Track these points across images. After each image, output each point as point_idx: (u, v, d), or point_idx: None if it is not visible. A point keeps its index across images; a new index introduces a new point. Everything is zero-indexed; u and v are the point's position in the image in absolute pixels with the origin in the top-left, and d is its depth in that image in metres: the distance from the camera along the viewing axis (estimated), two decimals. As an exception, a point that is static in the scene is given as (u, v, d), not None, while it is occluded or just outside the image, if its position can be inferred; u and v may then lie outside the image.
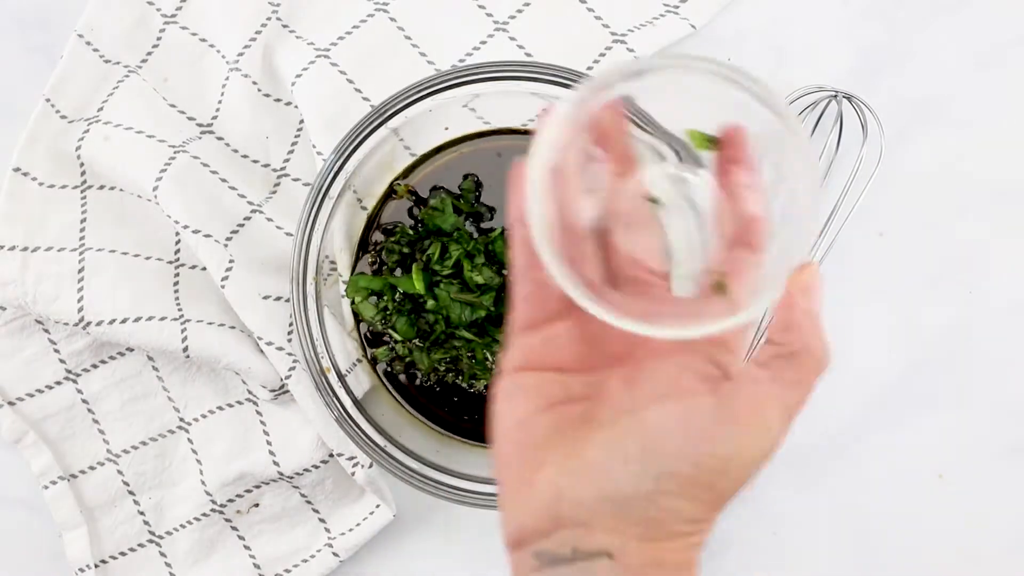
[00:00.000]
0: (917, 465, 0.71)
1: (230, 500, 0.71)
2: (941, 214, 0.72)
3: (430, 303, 0.67)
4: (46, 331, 0.71)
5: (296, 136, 0.73)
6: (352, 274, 0.70)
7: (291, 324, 0.68)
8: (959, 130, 0.73)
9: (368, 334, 0.70)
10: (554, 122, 0.41)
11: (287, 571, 0.71)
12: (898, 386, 0.71)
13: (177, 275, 0.71)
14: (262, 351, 0.68)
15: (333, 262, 0.70)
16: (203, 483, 0.71)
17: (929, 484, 0.71)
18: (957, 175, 0.72)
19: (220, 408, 0.72)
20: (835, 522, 0.71)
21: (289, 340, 0.68)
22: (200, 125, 0.73)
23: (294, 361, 0.67)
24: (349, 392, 0.66)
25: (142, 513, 0.72)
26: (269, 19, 0.73)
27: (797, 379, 0.41)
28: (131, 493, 0.72)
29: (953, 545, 0.70)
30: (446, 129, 0.71)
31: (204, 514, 0.71)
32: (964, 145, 0.73)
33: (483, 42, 0.73)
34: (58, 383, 0.72)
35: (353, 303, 0.69)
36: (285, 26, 0.74)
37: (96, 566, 0.71)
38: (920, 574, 0.70)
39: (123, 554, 0.72)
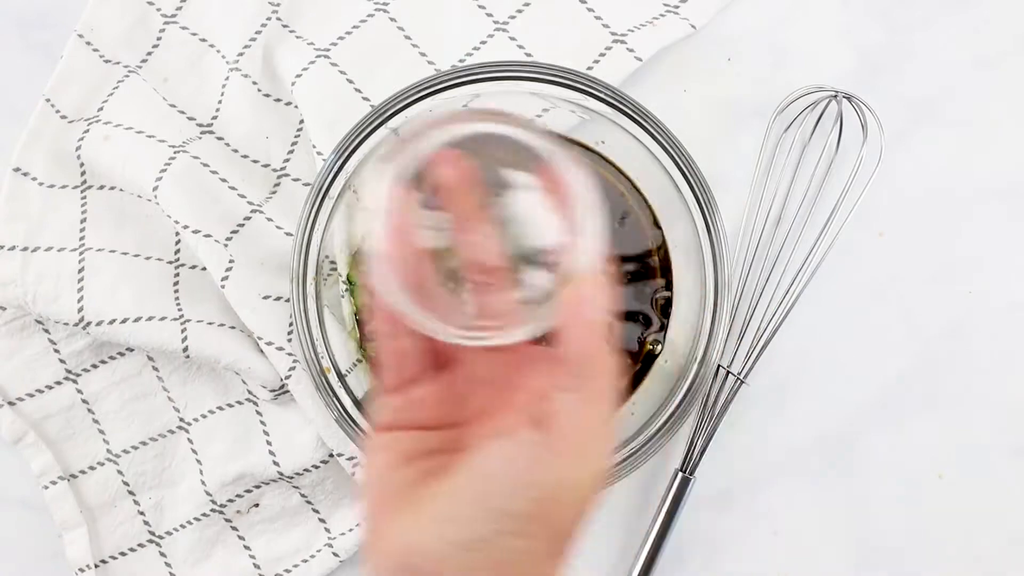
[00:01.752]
0: (917, 465, 0.71)
1: (230, 500, 0.71)
2: (941, 214, 0.72)
3: None
4: (46, 331, 0.71)
5: (296, 136, 0.73)
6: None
7: (291, 324, 0.68)
8: (959, 130, 0.73)
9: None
10: (381, 192, 0.45)
11: (287, 571, 0.71)
12: (898, 386, 0.71)
13: (177, 275, 0.71)
14: (262, 351, 0.68)
15: (333, 262, 0.70)
16: (203, 483, 0.71)
17: (929, 484, 0.71)
18: (957, 175, 0.72)
19: (220, 408, 0.72)
20: (835, 522, 0.71)
21: (289, 340, 0.68)
22: (200, 125, 0.73)
23: (294, 361, 0.67)
24: (349, 392, 0.66)
25: (142, 513, 0.72)
26: (269, 19, 0.73)
27: (590, 390, 0.43)
28: (131, 493, 0.72)
29: (953, 545, 0.70)
30: (447, 129, 0.71)
31: (204, 514, 0.71)
32: (964, 145, 0.73)
33: (483, 42, 0.73)
34: (58, 383, 0.72)
35: (350, 288, 0.69)
36: (285, 26, 0.74)
37: (96, 566, 0.71)
38: (920, 574, 0.70)
39: (123, 554, 0.72)
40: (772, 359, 0.70)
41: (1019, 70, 0.73)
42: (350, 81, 0.72)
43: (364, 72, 0.72)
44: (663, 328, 0.69)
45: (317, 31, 0.74)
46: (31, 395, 0.71)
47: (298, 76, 0.72)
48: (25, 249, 0.70)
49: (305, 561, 0.71)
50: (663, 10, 0.73)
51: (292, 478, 0.70)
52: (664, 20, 0.73)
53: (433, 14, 0.74)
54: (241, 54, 0.73)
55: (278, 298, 0.69)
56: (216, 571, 0.71)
